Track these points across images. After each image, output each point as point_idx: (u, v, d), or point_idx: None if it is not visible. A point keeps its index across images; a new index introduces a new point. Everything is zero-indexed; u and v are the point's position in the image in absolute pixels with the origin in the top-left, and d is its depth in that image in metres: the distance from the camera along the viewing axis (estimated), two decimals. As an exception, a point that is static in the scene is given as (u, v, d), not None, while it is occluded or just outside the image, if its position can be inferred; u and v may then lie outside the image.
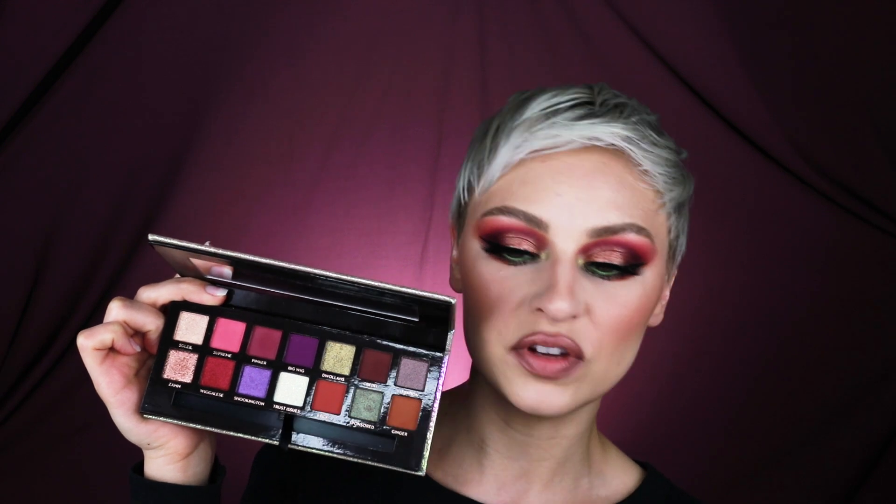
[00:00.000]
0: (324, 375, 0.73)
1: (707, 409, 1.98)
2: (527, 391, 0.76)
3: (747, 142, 1.92)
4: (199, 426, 0.72)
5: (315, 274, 0.66)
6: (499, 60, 1.91)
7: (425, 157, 1.94)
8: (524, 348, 0.75)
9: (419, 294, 0.66)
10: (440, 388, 0.73)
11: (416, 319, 0.73)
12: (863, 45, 1.83)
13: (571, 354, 0.75)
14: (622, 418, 1.92)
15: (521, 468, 0.86)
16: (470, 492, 0.86)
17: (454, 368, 0.83)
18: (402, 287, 0.66)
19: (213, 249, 0.67)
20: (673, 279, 0.86)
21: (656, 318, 0.85)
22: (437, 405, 0.73)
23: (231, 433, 0.72)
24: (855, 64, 1.84)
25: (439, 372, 0.74)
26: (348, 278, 0.66)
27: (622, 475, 0.90)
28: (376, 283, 0.66)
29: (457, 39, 1.91)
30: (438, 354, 0.74)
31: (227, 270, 0.72)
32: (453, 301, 0.66)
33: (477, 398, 0.86)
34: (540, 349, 0.75)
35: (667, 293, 0.85)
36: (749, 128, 1.90)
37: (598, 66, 1.89)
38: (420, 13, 1.90)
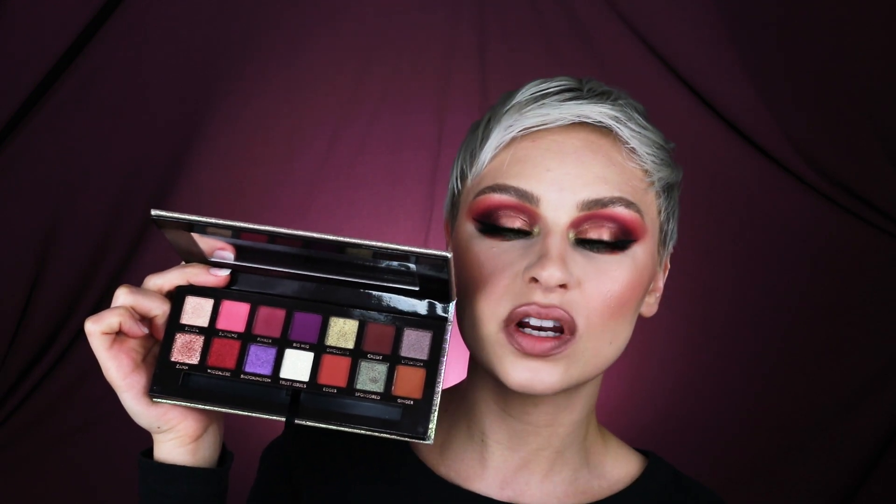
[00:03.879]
0: (328, 350, 0.74)
1: (709, 411, 1.98)
2: (517, 370, 0.76)
3: (747, 142, 1.92)
4: (207, 406, 0.73)
5: (311, 237, 0.67)
6: (499, 60, 1.92)
7: (425, 156, 1.94)
8: (514, 323, 0.76)
9: (414, 250, 0.67)
10: (445, 355, 0.74)
11: (417, 288, 0.74)
12: (863, 46, 1.83)
13: (565, 327, 0.76)
14: (624, 420, 1.92)
15: (522, 459, 0.86)
16: (472, 486, 0.86)
17: (453, 368, 0.83)
18: (398, 244, 0.67)
19: (212, 220, 0.68)
20: (666, 271, 0.86)
21: (650, 309, 0.85)
22: (442, 372, 0.74)
23: (239, 411, 0.73)
24: (855, 64, 1.84)
25: (443, 340, 0.75)
26: (343, 240, 0.67)
27: (623, 464, 0.90)
28: (370, 242, 0.67)
29: (457, 39, 1.91)
30: (440, 323, 0.75)
31: (229, 254, 0.74)
32: (449, 255, 0.67)
33: (475, 390, 0.87)
34: (533, 322, 0.76)
35: (660, 285, 0.85)
36: (749, 128, 1.91)
37: (598, 66, 1.89)
38: (420, 13, 1.90)
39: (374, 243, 0.67)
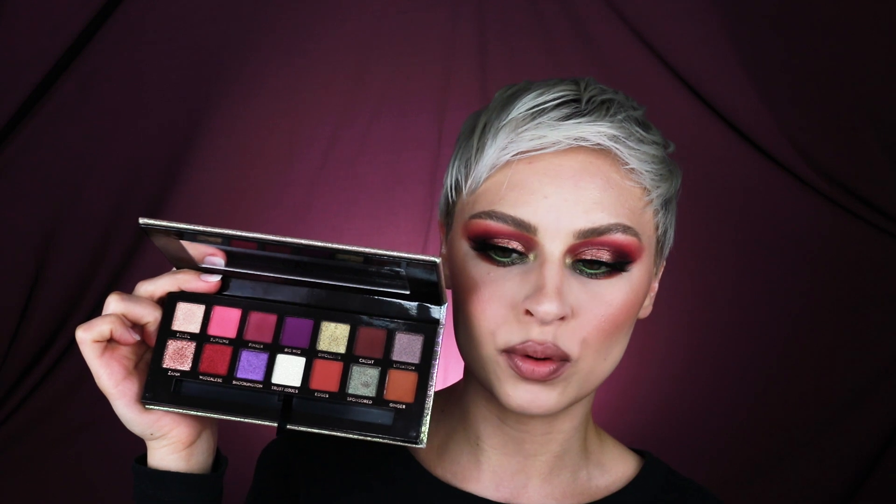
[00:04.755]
0: (320, 355, 0.74)
1: (709, 412, 1.98)
2: (517, 392, 0.76)
3: (747, 142, 1.92)
4: (199, 413, 0.73)
5: (300, 244, 0.67)
6: (499, 60, 1.92)
7: (425, 156, 1.94)
8: (514, 353, 0.76)
9: (403, 255, 0.67)
10: (437, 359, 0.74)
11: (408, 292, 0.74)
12: (863, 45, 1.83)
13: (560, 359, 0.76)
14: (625, 420, 1.92)
15: (518, 463, 0.86)
16: (469, 487, 0.86)
17: (454, 368, 0.83)
18: (387, 250, 0.67)
19: (201, 228, 0.67)
20: (661, 270, 0.86)
21: (645, 311, 0.85)
22: (434, 376, 0.74)
23: (231, 417, 0.73)
24: (855, 64, 1.84)
25: (434, 344, 0.74)
26: (333, 246, 0.67)
27: (621, 464, 0.90)
28: (359, 249, 0.67)
29: (457, 39, 1.91)
30: (432, 327, 0.75)
31: (219, 259, 0.73)
32: (437, 260, 0.67)
33: (471, 396, 0.87)
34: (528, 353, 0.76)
35: (655, 285, 0.85)
36: (749, 128, 1.91)
37: (598, 67, 1.89)
38: (420, 13, 1.90)
39: (363, 249, 0.67)
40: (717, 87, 1.90)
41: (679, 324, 1.95)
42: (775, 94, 1.88)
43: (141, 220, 0.68)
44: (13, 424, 1.87)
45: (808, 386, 1.97)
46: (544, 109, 0.77)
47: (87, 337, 0.72)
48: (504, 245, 0.76)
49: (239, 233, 0.67)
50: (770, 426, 1.97)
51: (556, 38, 1.91)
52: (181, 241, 0.71)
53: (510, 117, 0.77)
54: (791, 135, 1.89)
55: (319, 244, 0.67)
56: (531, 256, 0.76)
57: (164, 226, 0.67)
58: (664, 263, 0.86)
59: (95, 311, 1.87)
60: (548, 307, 0.73)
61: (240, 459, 1.08)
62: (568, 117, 0.76)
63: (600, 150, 0.77)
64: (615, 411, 1.91)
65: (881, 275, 1.95)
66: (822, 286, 1.96)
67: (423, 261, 0.67)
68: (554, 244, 0.75)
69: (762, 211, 1.96)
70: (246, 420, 0.73)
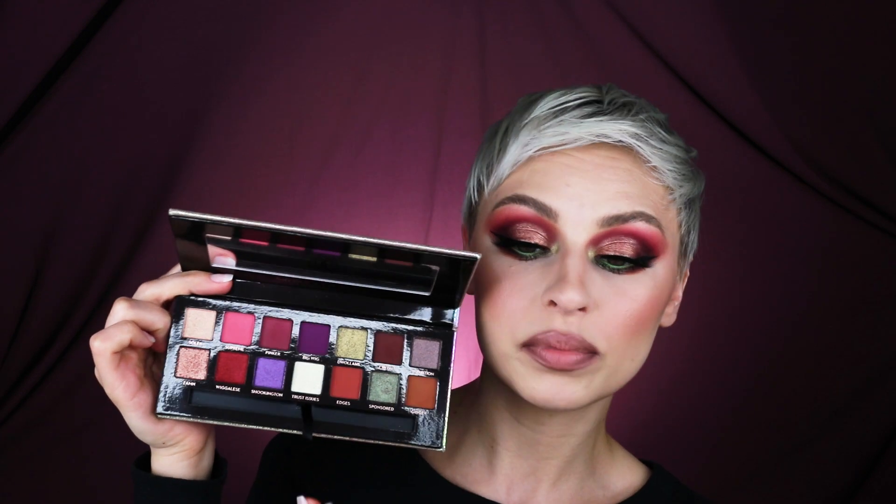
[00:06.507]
0: (339, 362, 0.73)
1: (707, 410, 1.98)
2: (541, 384, 0.75)
3: (747, 142, 1.92)
4: (219, 423, 0.72)
5: (350, 240, 0.66)
6: (499, 60, 1.91)
7: (425, 157, 1.94)
8: (537, 346, 0.75)
9: (445, 252, 0.66)
10: (453, 363, 0.74)
11: (427, 293, 0.73)
12: (863, 46, 1.83)
13: (585, 352, 0.75)
14: (623, 419, 1.92)
15: (531, 466, 0.85)
16: (480, 490, 0.85)
17: (458, 368, 0.83)
18: (432, 247, 0.66)
19: (233, 220, 0.65)
20: (686, 279, 0.85)
21: (669, 319, 0.84)
22: (451, 381, 0.74)
23: (253, 427, 0.72)
24: (855, 64, 1.84)
25: (451, 348, 0.74)
26: (383, 242, 0.66)
27: (628, 474, 0.89)
28: (408, 245, 0.66)
29: (457, 39, 1.91)
30: (448, 332, 0.75)
31: (230, 259, 0.71)
32: (478, 256, 0.67)
33: (488, 396, 0.86)
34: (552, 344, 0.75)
35: (679, 293, 0.84)
36: (749, 128, 1.91)
37: (598, 67, 1.89)
38: (420, 13, 1.90)
39: (413, 246, 0.66)
40: (717, 87, 1.89)
41: (678, 324, 1.93)
42: (776, 95, 1.88)
43: (171, 212, 0.65)
44: (13, 424, 1.86)
45: (808, 386, 1.97)
46: (566, 108, 0.77)
47: (107, 347, 0.68)
48: (527, 239, 0.76)
49: (274, 226, 0.65)
50: (770, 426, 1.97)
51: (556, 38, 1.91)
52: (205, 237, 0.68)
53: (532, 116, 0.78)
54: (791, 135, 1.89)
55: (372, 241, 0.66)
56: (553, 248, 0.76)
57: (192, 217, 0.64)
58: (688, 272, 0.85)
59: (95, 311, 1.86)
60: (571, 295, 0.72)
61: (247, 453, 1.08)
62: (590, 115, 0.77)
63: (622, 147, 0.77)
64: (614, 411, 1.91)
65: (881, 275, 1.95)
66: (822, 286, 1.96)
67: (464, 257, 0.67)
68: (576, 233, 0.74)
69: (762, 211, 1.96)
70: (267, 429, 0.72)
